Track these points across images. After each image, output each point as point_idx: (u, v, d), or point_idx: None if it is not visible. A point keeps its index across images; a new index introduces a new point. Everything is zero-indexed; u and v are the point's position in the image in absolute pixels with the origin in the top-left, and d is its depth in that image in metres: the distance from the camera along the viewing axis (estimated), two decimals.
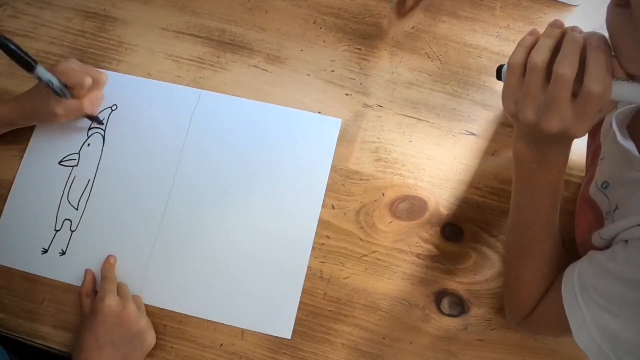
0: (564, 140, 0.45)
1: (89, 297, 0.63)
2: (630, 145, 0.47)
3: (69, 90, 0.64)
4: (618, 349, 0.44)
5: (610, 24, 0.41)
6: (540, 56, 0.41)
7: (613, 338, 0.44)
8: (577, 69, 0.40)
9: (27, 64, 0.59)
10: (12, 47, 0.58)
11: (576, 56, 0.40)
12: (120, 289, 0.63)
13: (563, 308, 0.48)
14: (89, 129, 0.71)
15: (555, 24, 0.43)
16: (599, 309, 0.44)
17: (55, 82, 0.62)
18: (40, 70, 0.60)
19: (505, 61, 0.74)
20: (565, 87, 0.40)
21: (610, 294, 0.44)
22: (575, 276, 0.48)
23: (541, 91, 0.42)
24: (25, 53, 0.59)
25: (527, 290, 0.55)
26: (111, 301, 0.59)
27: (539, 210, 0.51)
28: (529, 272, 0.54)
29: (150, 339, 0.61)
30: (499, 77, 0.47)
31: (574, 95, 0.41)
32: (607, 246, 0.49)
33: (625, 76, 0.41)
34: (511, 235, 0.57)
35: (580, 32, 0.42)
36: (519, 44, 0.44)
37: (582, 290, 0.47)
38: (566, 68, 0.40)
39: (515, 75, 0.43)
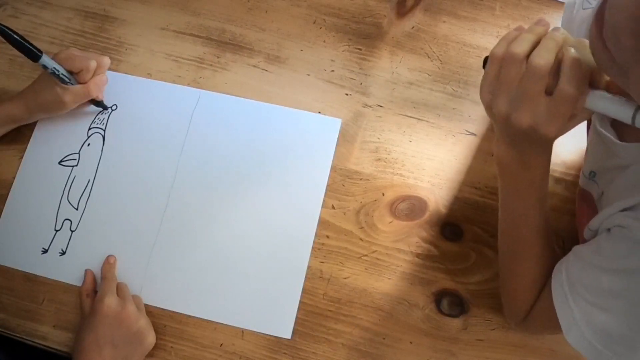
0: (539, 140, 0.43)
1: (89, 297, 0.63)
2: (610, 131, 0.47)
3: (73, 76, 0.65)
4: (610, 343, 0.43)
5: (592, 49, 0.40)
6: (518, 47, 0.41)
7: (604, 333, 0.43)
8: (553, 66, 0.39)
9: (32, 53, 0.60)
10: (17, 37, 0.59)
11: (552, 53, 0.40)
12: (120, 289, 0.62)
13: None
14: (89, 128, 0.71)
15: (540, 22, 0.43)
16: (588, 305, 0.44)
17: (60, 69, 0.62)
18: (46, 59, 0.61)
19: None
20: (539, 80, 0.39)
21: (598, 288, 0.43)
22: (563, 274, 0.48)
23: (516, 83, 0.41)
24: (30, 43, 0.60)
25: (522, 291, 0.55)
26: (110, 301, 0.59)
27: (525, 211, 0.51)
28: (521, 273, 0.54)
29: (150, 338, 0.61)
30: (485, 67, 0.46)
31: (549, 94, 0.40)
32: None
33: (603, 89, 0.40)
34: (501, 237, 0.57)
35: (563, 33, 0.42)
36: (503, 38, 0.43)
37: (570, 288, 0.46)
38: (540, 59, 0.39)
39: (495, 66, 0.43)
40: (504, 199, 0.53)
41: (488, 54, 0.44)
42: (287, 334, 0.63)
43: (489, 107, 0.44)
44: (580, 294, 0.45)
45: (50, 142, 0.70)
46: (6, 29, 0.59)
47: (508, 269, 0.56)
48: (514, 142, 0.46)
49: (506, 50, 0.41)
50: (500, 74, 0.42)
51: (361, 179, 0.68)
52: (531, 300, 0.54)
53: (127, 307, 0.60)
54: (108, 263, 0.65)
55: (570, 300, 0.46)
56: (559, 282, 0.48)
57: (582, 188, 0.54)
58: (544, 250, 0.53)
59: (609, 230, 0.45)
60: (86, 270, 0.65)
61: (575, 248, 0.49)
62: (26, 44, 0.60)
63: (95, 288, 0.64)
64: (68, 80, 0.64)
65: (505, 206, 0.53)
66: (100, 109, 0.71)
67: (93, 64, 0.64)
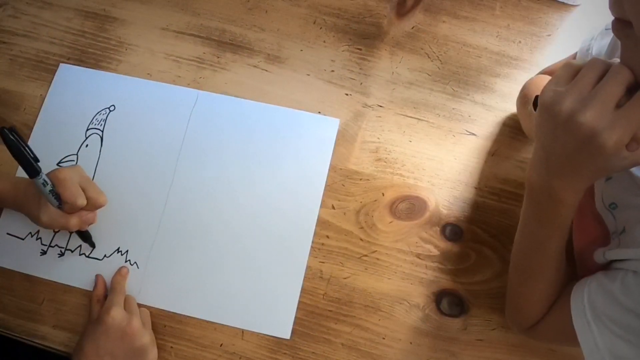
0: (590, 154, 0.40)
1: (99, 303, 0.62)
2: None
3: (61, 203, 0.59)
4: None
5: (622, 54, 0.39)
6: (607, 62, 0.40)
7: None
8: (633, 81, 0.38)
9: (31, 169, 0.55)
10: (21, 148, 0.54)
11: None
12: (128, 302, 0.62)
13: (568, 324, 0.48)
14: (87, 129, 0.71)
15: None
16: (613, 336, 0.44)
17: (49, 187, 0.57)
18: (43, 177, 0.57)
19: (505, 61, 0.74)
20: (619, 84, 0.38)
21: (627, 326, 0.43)
22: (585, 301, 0.48)
23: (592, 85, 0.40)
24: (34, 157, 0.55)
25: (531, 307, 0.55)
26: (116, 314, 0.58)
27: (545, 239, 0.50)
28: (532, 292, 0.54)
29: (152, 356, 0.60)
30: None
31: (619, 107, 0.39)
32: (607, 264, 0.50)
33: None
34: (516, 255, 0.56)
35: None
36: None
37: (595, 317, 0.46)
38: (626, 67, 0.38)
39: (571, 70, 0.41)
40: (525, 220, 0.52)
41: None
42: (286, 334, 0.63)
43: (549, 106, 0.41)
44: (606, 325, 0.45)
45: (49, 143, 0.70)
46: (14, 139, 0.53)
47: (518, 284, 0.56)
48: (551, 172, 0.44)
49: (587, 63, 0.40)
50: (577, 77, 0.40)
51: (361, 179, 0.68)
52: (539, 314, 0.54)
53: (133, 321, 0.59)
54: (120, 274, 0.64)
55: (593, 328, 0.46)
56: (579, 307, 0.48)
57: (597, 211, 0.53)
58: (558, 273, 0.53)
59: (635, 272, 0.45)
60: (97, 276, 0.65)
61: (599, 277, 0.48)
62: (30, 159, 0.55)
63: (106, 294, 0.64)
64: (53, 202, 0.58)
65: (525, 228, 0.53)
66: (88, 243, 0.65)
67: (80, 203, 0.58)
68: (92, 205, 0.61)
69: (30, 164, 0.55)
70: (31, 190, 0.60)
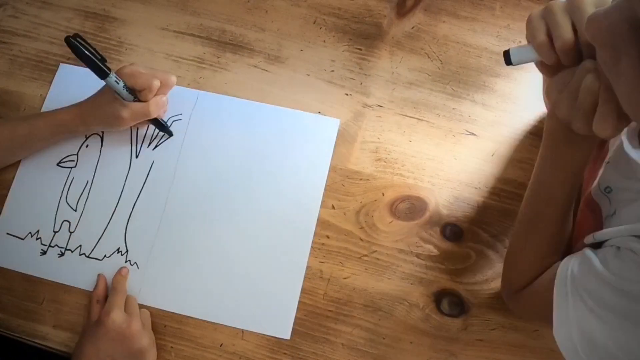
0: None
1: (99, 304, 0.62)
2: (637, 155, 0.47)
3: (135, 94, 0.63)
4: (593, 353, 0.44)
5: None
6: (595, 84, 0.41)
7: (591, 342, 0.44)
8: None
9: (101, 71, 0.59)
10: (88, 53, 0.57)
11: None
12: (128, 304, 0.62)
13: (550, 298, 0.48)
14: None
15: None
16: (585, 310, 0.45)
17: (121, 84, 0.60)
18: (113, 77, 0.59)
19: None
20: (590, 95, 0.40)
21: (599, 297, 0.44)
22: (569, 271, 0.48)
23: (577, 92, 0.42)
24: (101, 59, 0.59)
25: (525, 264, 0.56)
26: (116, 316, 0.58)
27: (557, 187, 0.52)
28: (531, 245, 0.55)
29: (151, 357, 0.60)
30: (507, 61, 0.47)
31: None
32: (597, 246, 0.50)
33: None
34: (524, 206, 0.57)
35: None
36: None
37: (573, 289, 0.47)
38: (591, 79, 0.40)
39: (570, 74, 0.43)
40: (540, 169, 0.54)
41: (507, 48, 0.46)
42: (286, 335, 0.63)
43: (552, 106, 0.45)
44: (581, 296, 0.45)
45: None
46: (79, 44, 0.56)
47: (520, 236, 0.57)
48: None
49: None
50: (571, 81, 0.43)
51: (361, 179, 0.68)
52: (530, 276, 0.55)
53: (133, 324, 0.59)
54: (120, 274, 0.64)
55: (569, 300, 0.46)
56: (563, 278, 0.48)
57: (592, 197, 0.54)
58: (559, 231, 0.54)
59: (618, 248, 0.45)
60: (99, 275, 0.64)
61: (586, 250, 0.49)
62: (96, 61, 0.58)
63: (106, 295, 0.64)
64: (128, 96, 0.62)
65: (538, 176, 0.54)
66: (165, 134, 0.69)
67: (156, 84, 0.62)
68: (166, 86, 0.65)
69: (98, 66, 0.59)
70: (99, 100, 0.64)
